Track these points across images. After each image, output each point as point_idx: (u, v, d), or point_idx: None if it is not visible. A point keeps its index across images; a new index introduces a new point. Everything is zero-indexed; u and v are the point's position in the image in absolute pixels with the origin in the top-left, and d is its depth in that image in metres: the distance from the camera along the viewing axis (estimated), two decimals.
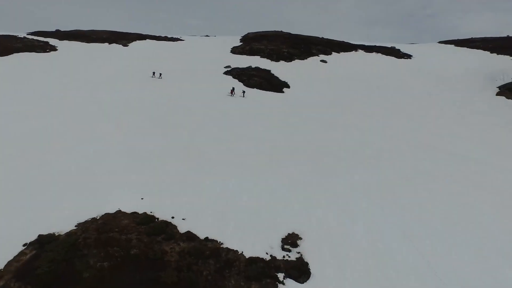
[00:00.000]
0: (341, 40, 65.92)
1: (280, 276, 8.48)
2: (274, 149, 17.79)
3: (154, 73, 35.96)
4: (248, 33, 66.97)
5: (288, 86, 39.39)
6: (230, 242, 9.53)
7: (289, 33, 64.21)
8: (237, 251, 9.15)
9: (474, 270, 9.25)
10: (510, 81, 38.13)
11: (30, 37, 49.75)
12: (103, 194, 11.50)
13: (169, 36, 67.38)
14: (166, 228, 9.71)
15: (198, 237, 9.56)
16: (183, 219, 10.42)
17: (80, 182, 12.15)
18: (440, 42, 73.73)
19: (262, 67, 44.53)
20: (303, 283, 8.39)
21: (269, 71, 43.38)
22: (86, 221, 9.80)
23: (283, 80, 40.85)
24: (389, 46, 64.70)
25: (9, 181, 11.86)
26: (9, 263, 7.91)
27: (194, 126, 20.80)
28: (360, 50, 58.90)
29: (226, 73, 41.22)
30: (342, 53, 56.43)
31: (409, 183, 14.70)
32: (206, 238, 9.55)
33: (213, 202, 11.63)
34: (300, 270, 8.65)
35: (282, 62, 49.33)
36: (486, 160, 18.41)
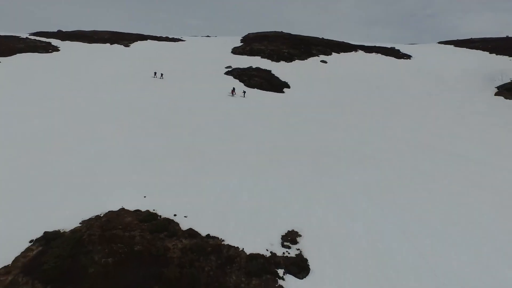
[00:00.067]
0: (341, 40, 66.16)
1: (280, 272, 8.66)
2: (275, 149, 17.94)
3: (155, 73, 36.21)
4: (249, 33, 67.24)
5: (288, 87, 39.61)
6: (231, 239, 9.70)
7: (290, 34, 64.44)
8: (238, 247, 9.34)
9: (474, 270, 9.27)
10: (508, 81, 38.30)
11: (32, 37, 50.04)
12: (106, 193, 11.64)
13: (170, 36, 67.69)
14: (169, 226, 9.90)
15: (200, 234, 9.75)
16: (185, 216, 10.61)
17: (82, 182, 12.28)
18: (439, 42, 73.91)
19: (263, 67, 44.76)
20: (302, 278, 8.56)
21: (270, 71, 43.61)
22: (90, 218, 9.99)
23: (283, 80, 41.07)
24: (389, 46, 64.93)
25: (12, 181, 11.98)
26: (17, 259, 8.11)
27: (195, 126, 20.98)
28: (360, 51, 59.08)
29: (227, 73, 41.46)
30: (342, 54, 56.62)
31: (409, 183, 14.77)
32: (208, 235, 9.74)
33: (214, 201, 11.79)
34: (300, 266, 8.83)
35: (282, 62, 49.55)
36: (485, 160, 18.48)
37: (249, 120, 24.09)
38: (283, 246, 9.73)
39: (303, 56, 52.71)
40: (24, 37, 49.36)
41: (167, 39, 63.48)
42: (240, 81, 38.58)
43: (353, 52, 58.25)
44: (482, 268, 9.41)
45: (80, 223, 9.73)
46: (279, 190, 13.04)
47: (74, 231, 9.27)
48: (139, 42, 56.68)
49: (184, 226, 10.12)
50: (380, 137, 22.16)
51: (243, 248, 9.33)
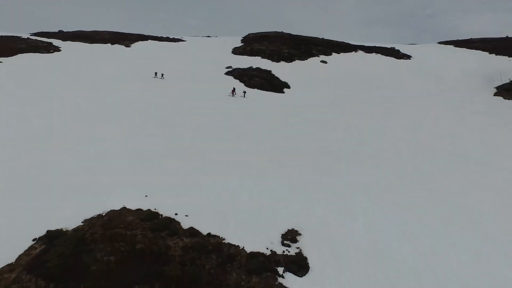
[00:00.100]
0: (341, 40, 66.27)
1: (280, 270, 8.73)
2: (275, 149, 18.00)
3: (156, 73, 36.33)
4: (249, 33, 67.35)
5: (288, 87, 39.73)
6: (231, 238, 9.78)
7: (290, 34, 64.55)
8: (238, 246, 9.42)
9: (474, 270, 9.26)
10: (507, 81, 38.38)
11: (33, 37, 50.22)
12: (106, 193, 11.68)
13: (170, 36, 67.85)
14: (170, 224, 9.99)
15: (201, 233, 9.83)
16: (185, 216, 10.69)
17: (83, 182, 12.31)
18: (439, 42, 73.99)
19: (263, 67, 44.89)
20: (302, 276, 8.64)
21: (270, 71, 43.74)
22: (92, 217, 10.07)
23: (283, 80, 41.19)
24: (389, 46, 65.05)
25: (12, 181, 12.00)
26: (20, 257, 8.21)
27: (195, 126, 21.06)
28: (360, 51, 59.20)
29: (227, 73, 41.58)
30: (342, 54, 56.75)
31: (409, 183, 14.80)
32: (209, 234, 9.82)
33: (214, 201, 11.86)
34: (299, 265, 8.91)
35: (282, 62, 49.69)
36: (485, 160, 18.51)
37: (249, 120, 24.17)
38: (283, 244, 9.81)
39: (303, 56, 52.84)
40: (26, 37, 49.56)
41: (167, 39, 63.64)
42: (240, 81, 38.71)
43: (353, 52, 58.37)
44: (482, 268, 9.40)
45: (82, 222, 9.82)
46: (279, 190, 13.10)
47: (76, 229, 9.36)
48: (139, 42, 56.86)
49: (185, 225, 10.20)
50: (380, 137, 22.22)
51: (243, 247, 9.41)
